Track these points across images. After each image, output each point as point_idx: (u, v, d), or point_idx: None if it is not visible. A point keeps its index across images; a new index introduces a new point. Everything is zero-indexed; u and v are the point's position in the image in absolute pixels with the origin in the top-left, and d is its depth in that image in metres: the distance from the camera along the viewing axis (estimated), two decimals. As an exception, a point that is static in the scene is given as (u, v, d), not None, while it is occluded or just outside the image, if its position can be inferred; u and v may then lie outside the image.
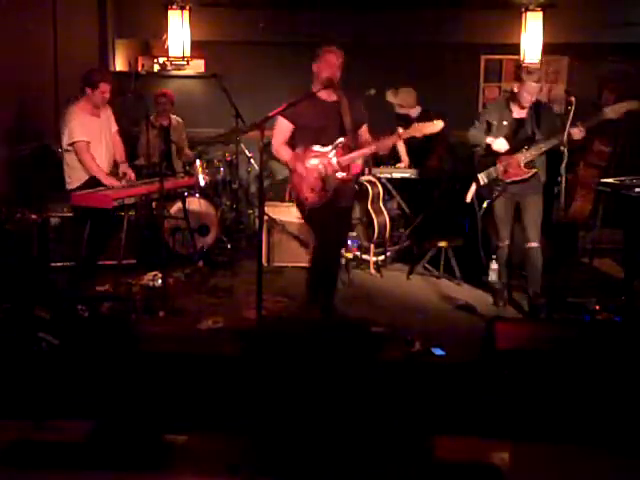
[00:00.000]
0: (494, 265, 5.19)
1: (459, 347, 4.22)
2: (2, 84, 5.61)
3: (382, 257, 6.21)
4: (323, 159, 4.35)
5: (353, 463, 3.16)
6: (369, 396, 3.58)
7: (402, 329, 4.52)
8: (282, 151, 4.41)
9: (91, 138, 5.05)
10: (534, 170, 4.78)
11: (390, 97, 6.28)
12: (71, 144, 5.00)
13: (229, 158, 6.95)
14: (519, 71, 4.88)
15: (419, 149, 6.33)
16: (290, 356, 3.75)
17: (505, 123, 4.85)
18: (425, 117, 6.24)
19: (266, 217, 5.83)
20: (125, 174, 5.26)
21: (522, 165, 4.77)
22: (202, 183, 6.55)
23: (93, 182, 5.06)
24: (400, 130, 4.48)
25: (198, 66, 7.92)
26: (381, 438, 3.34)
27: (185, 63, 7.32)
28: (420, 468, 3.15)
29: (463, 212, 5.57)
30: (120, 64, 7.83)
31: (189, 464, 3.20)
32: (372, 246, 6.06)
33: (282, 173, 7.67)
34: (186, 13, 7.06)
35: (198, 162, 6.63)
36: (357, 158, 4.40)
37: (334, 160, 4.34)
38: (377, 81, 6.16)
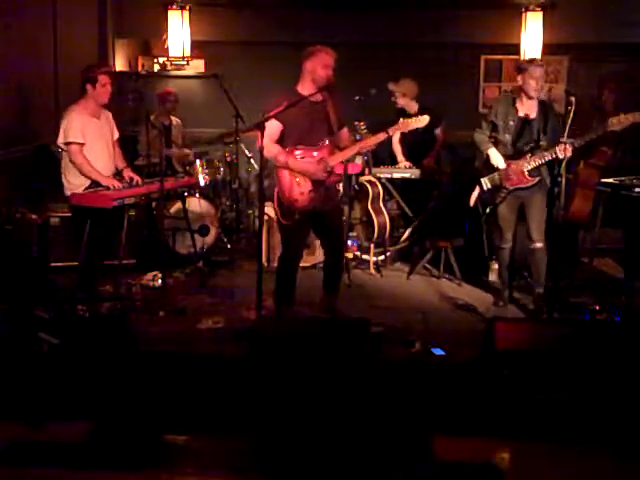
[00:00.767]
0: (494, 265, 5.18)
1: (459, 347, 4.22)
2: (2, 84, 5.61)
3: (382, 257, 6.21)
4: (310, 159, 4.33)
5: (354, 463, 3.16)
6: (369, 396, 3.58)
7: (402, 329, 4.53)
8: (270, 147, 4.29)
9: (88, 139, 4.96)
10: (538, 178, 4.76)
11: (392, 86, 6.25)
12: (65, 144, 4.92)
13: (229, 158, 6.95)
14: (520, 64, 4.86)
15: (418, 149, 6.33)
16: (290, 356, 3.75)
17: (511, 123, 4.81)
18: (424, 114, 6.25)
19: (266, 217, 5.82)
20: (132, 179, 5.20)
21: (526, 173, 4.75)
22: (202, 183, 6.55)
23: (96, 186, 5.04)
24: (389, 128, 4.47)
25: (198, 66, 7.92)
26: (381, 438, 3.34)
27: (185, 63, 7.33)
28: (420, 468, 3.16)
29: (463, 212, 5.57)
30: (120, 64, 7.82)
31: (189, 464, 3.20)
32: (372, 246, 6.06)
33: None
34: (186, 13, 7.06)
35: (198, 162, 6.63)
36: (344, 158, 4.38)
37: (326, 160, 4.31)
38: (377, 81, 6.19)
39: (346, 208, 5.53)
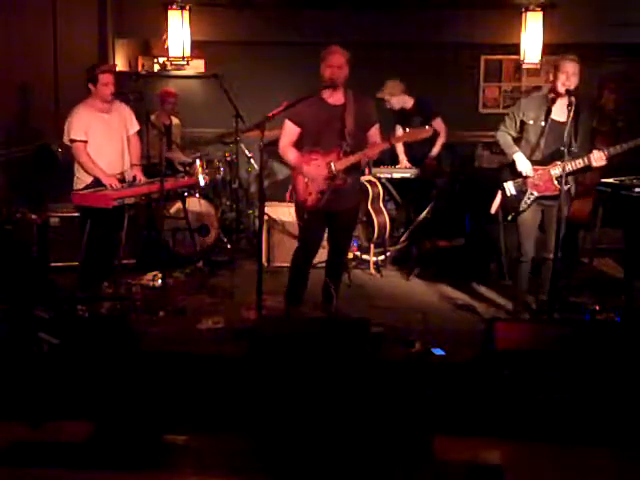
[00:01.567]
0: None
1: (459, 347, 4.22)
2: (2, 84, 5.61)
3: (382, 257, 6.21)
4: (321, 162, 4.35)
5: (354, 463, 3.17)
6: (369, 396, 3.58)
7: (402, 329, 4.53)
8: (288, 152, 4.44)
9: (93, 137, 5.02)
10: (567, 187, 4.40)
11: (378, 94, 6.20)
12: (69, 142, 5.01)
13: (229, 158, 6.95)
14: (555, 60, 4.62)
15: (418, 149, 6.33)
16: (290, 356, 3.75)
17: (542, 124, 4.48)
18: (422, 108, 6.23)
19: (266, 217, 5.83)
20: (135, 177, 5.24)
21: (554, 180, 4.46)
22: (202, 183, 6.55)
23: (99, 184, 5.07)
24: (398, 132, 4.48)
25: (198, 66, 7.92)
26: (382, 438, 3.34)
27: (185, 63, 7.32)
28: (420, 468, 3.16)
29: (463, 212, 5.57)
30: (120, 64, 7.82)
31: (189, 464, 3.20)
32: (372, 246, 6.06)
33: (282, 173, 7.68)
34: (186, 13, 7.05)
35: (198, 162, 6.63)
36: (352, 163, 4.38)
37: (332, 164, 4.33)
38: (377, 81, 6.20)
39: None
